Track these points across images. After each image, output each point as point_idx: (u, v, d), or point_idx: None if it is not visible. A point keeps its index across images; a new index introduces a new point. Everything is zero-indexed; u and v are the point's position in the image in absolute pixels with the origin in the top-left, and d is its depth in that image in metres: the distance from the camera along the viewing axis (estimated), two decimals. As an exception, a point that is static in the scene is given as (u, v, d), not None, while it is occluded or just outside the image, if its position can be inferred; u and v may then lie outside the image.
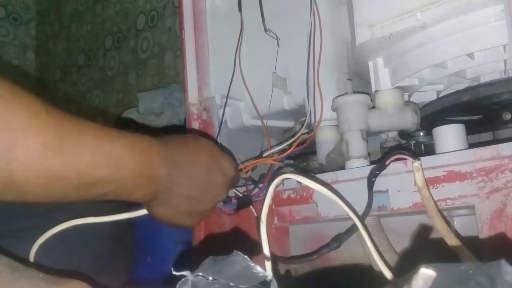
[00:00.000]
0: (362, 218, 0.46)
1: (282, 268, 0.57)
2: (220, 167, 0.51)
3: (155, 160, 0.46)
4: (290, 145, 0.57)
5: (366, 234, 0.39)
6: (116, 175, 0.43)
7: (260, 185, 0.56)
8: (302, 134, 0.57)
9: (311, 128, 0.57)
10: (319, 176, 0.53)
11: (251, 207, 0.56)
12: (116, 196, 0.44)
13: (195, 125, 0.63)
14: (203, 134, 0.62)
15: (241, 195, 0.57)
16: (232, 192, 0.57)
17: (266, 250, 0.35)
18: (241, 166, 0.58)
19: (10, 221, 0.58)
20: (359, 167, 0.53)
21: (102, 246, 0.63)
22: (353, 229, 0.45)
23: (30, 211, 0.60)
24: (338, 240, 0.46)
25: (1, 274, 0.35)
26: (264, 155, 0.59)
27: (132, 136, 0.45)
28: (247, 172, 0.58)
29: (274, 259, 0.35)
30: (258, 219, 0.37)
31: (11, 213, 0.58)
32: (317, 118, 0.58)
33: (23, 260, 0.37)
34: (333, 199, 0.40)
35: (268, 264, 0.33)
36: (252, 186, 0.56)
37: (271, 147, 0.58)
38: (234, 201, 0.56)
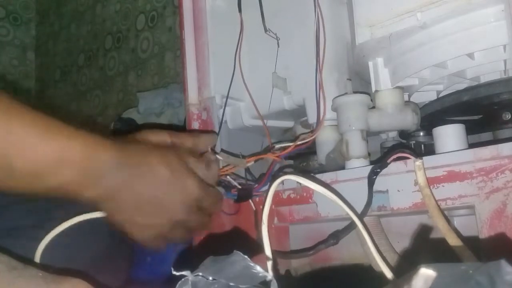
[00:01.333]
0: (361, 216, 0.46)
1: (282, 268, 0.57)
2: (181, 186, 0.49)
3: (105, 161, 0.45)
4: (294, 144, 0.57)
5: (365, 232, 0.39)
6: (60, 170, 0.43)
7: (260, 182, 0.56)
8: (303, 134, 0.57)
9: (313, 128, 0.57)
10: (319, 176, 0.53)
11: (250, 201, 0.57)
12: (66, 192, 0.44)
13: (195, 125, 0.63)
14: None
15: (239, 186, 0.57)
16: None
17: (267, 251, 0.35)
18: (248, 160, 0.57)
19: (7, 220, 0.58)
20: (359, 167, 0.53)
21: (103, 245, 0.62)
22: (351, 226, 0.46)
23: (28, 209, 0.59)
24: (336, 236, 0.46)
25: (0, 273, 0.35)
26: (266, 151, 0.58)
27: (87, 134, 0.45)
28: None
29: (273, 255, 0.35)
30: (256, 217, 0.37)
31: (8, 212, 0.58)
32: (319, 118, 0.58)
33: (22, 258, 0.37)
34: (332, 199, 0.40)
35: (270, 265, 0.33)
36: (252, 181, 0.56)
37: (274, 143, 0.58)
38: (234, 192, 0.56)
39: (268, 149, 0.58)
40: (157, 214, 0.49)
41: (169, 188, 0.49)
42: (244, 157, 0.58)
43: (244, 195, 0.56)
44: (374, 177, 0.48)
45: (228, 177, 0.57)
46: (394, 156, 0.46)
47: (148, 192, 0.48)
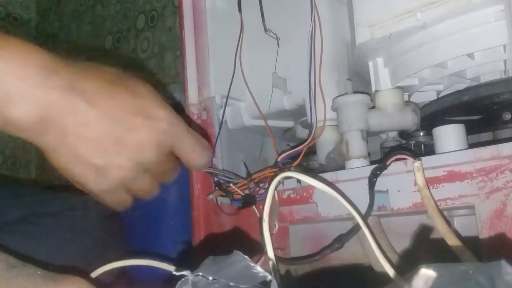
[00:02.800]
0: (364, 218, 0.46)
1: (282, 268, 0.57)
2: (150, 117, 0.40)
3: (45, 77, 0.36)
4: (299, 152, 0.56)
5: (369, 234, 0.39)
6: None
7: (261, 185, 0.55)
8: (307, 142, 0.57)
9: (312, 129, 0.57)
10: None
11: (254, 207, 0.56)
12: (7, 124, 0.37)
13: (195, 125, 0.63)
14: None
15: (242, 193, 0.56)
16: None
17: (269, 251, 0.35)
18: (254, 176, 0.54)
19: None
20: (359, 167, 0.53)
21: (93, 238, 0.62)
22: (355, 229, 0.45)
23: (13, 204, 0.59)
24: (340, 240, 0.46)
25: (-2, 271, 0.35)
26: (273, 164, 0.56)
27: (27, 45, 0.37)
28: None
29: (276, 259, 0.35)
30: (260, 219, 0.37)
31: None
32: (319, 119, 0.58)
33: (21, 256, 0.37)
34: (334, 196, 0.40)
35: (272, 264, 0.33)
36: (254, 186, 0.56)
37: (280, 155, 0.56)
38: (237, 197, 0.56)
39: (275, 163, 0.56)
40: (118, 152, 0.40)
41: (134, 119, 0.40)
42: (250, 174, 0.57)
43: (248, 201, 0.55)
44: (375, 179, 0.48)
45: (231, 185, 0.56)
46: (393, 158, 0.46)
47: (106, 124, 0.39)
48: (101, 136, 0.39)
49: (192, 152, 0.45)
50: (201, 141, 0.46)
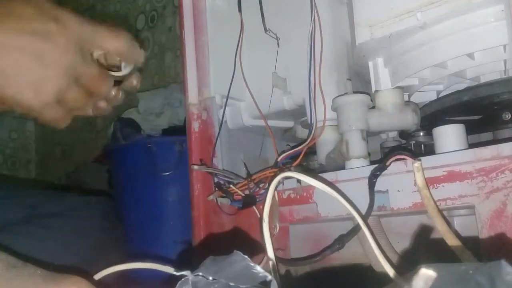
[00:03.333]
0: (365, 218, 0.46)
1: (282, 268, 0.57)
2: (55, 20, 0.41)
3: None
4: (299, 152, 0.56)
5: (369, 234, 0.39)
6: None
7: (261, 185, 0.55)
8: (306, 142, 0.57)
9: (312, 129, 0.57)
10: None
11: (254, 207, 0.56)
12: None
13: (195, 125, 0.63)
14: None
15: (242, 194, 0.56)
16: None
17: (269, 251, 0.35)
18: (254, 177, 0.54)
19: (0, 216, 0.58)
20: (359, 167, 0.53)
21: (95, 239, 0.62)
22: (355, 230, 0.45)
23: (15, 204, 0.59)
24: (341, 241, 0.46)
25: (-2, 271, 0.35)
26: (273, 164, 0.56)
27: None
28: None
29: (277, 260, 0.35)
30: (260, 219, 0.37)
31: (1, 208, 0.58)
32: (319, 119, 0.58)
33: (21, 256, 0.37)
34: (334, 196, 0.40)
35: (272, 264, 0.33)
36: (254, 186, 0.56)
37: (280, 155, 0.56)
38: (237, 197, 0.56)
39: (275, 163, 0.56)
40: (41, 65, 0.41)
41: (41, 29, 0.40)
42: (250, 175, 0.57)
43: (248, 202, 0.55)
44: (375, 179, 0.48)
45: (231, 185, 0.56)
46: (393, 159, 0.47)
47: (17, 42, 0.40)
48: (22, 53, 0.40)
49: (112, 38, 0.47)
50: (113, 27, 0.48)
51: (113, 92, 0.48)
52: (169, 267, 0.36)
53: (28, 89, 0.42)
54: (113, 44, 0.47)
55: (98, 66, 0.46)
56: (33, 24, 0.41)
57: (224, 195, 0.56)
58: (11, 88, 0.41)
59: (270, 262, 0.34)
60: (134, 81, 0.51)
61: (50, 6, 0.43)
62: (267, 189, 0.45)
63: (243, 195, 0.55)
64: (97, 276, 0.39)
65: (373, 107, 0.57)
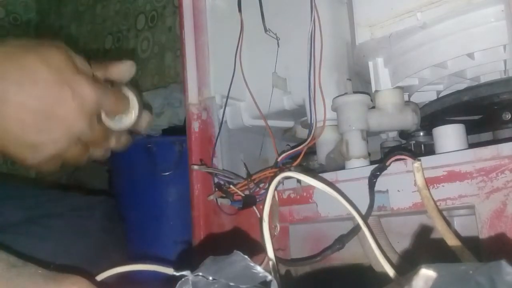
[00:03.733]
0: (365, 218, 0.46)
1: (283, 268, 0.57)
2: (72, 87, 0.40)
3: None
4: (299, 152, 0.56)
5: (369, 234, 0.39)
6: None
7: (261, 185, 0.55)
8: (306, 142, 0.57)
9: (312, 129, 0.57)
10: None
11: (254, 207, 0.56)
12: None
13: (195, 125, 0.63)
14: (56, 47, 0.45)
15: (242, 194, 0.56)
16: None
17: (269, 251, 0.35)
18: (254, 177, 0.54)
19: (1, 216, 0.58)
20: (359, 167, 0.53)
21: (97, 239, 0.62)
22: (356, 230, 0.45)
23: (17, 205, 0.59)
24: (341, 241, 0.46)
25: (-1, 271, 0.35)
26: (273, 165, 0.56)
27: None
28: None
29: (277, 260, 0.35)
30: (260, 219, 0.37)
31: (2, 208, 0.58)
32: (319, 119, 0.58)
33: (22, 255, 0.37)
34: (334, 196, 0.40)
35: (272, 264, 0.33)
36: (254, 186, 0.56)
37: (280, 155, 0.56)
38: (237, 197, 0.55)
39: (275, 163, 0.56)
40: (48, 128, 0.40)
41: (56, 93, 0.40)
42: (250, 175, 0.57)
43: (248, 202, 0.55)
44: (375, 180, 0.48)
45: (231, 186, 0.56)
46: (393, 159, 0.46)
47: (30, 102, 0.39)
48: (28, 115, 0.39)
49: (116, 106, 0.46)
50: (121, 98, 0.46)
51: (116, 142, 0.48)
52: (169, 268, 0.36)
53: (30, 148, 0.41)
54: (122, 108, 0.47)
55: (102, 124, 0.45)
56: (47, 86, 0.40)
57: (224, 195, 0.56)
58: (13, 145, 0.41)
59: (270, 262, 0.34)
60: (144, 123, 0.51)
61: (68, 68, 0.41)
62: (267, 189, 0.45)
63: (243, 195, 0.55)
64: (98, 278, 0.39)
65: (373, 107, 0.57)
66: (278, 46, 0.63)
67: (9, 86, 0.38)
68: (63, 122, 0.41)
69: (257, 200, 0.55)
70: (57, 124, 0.41)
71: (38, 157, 0.42)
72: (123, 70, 0.51)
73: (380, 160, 0.50)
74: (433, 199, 0.44)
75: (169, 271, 0.35)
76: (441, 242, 0.42)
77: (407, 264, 0.49)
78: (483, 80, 0.53)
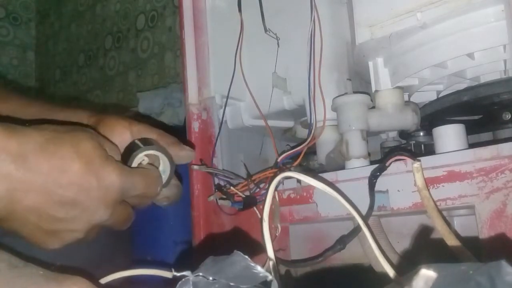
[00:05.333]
0: (365, 219, 0.46)
1: (282, 268, 0.57)
2: (99, 180, 0.40)
3: None
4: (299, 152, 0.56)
5: (369, 235, 0.39)
6: None
7: (262, 185, 0.55)
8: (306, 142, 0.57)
9: (312, 129, 0.57)
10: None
11: (254, 208, 0.56)
12: None
13: (195, 125, 0.63)
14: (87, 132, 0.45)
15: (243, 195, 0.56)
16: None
17: (269, 251, 0.35)
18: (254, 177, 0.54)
19: None
20: (359, 167, 0.53)
21: (101, 241, 0.62)
22: (356, 230, 0.45)
23: None
24: (342, 242, 0.46)
25: (0, 272, 0.35)
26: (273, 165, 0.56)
27: None
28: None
29: (279, 261, 0.35)
30: (261, 219, 0.37)
31: None
32: (319, 119, 0.58)
33: (23, 256, 0.37)
34: (334, 196, 0.40)
35: (272, 264, 0.33)
36: (254, 187, 0.56)
37: (280, 155, 0.56)
38: (238, 198, 0.55)
39: (275, 164, 0.56)
40: (71, 219, 0.40)
41: (82, 182, 0.39)
42: (250, 175, 0.57)
43: (249, 203, 0.55)
44: (375, 180, 0.48)
45: (232, 187, 0.56)
46: (393, 159, 0.47)
47: (57, 193, 0.39)
48: (54, 205, 0.39)
49: (145, 197, 0.46)
50: (151, 181, 0.46)
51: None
52: (169, 271, 0.36)
53: (46, 235, 0.41)
54: (152, 191, 0.46)
55: (126, 206, 0.45)
56: (74, 177, 0.39)
57: (225, 196, 0.56)
58: (29, 231, 0.40)
59: (271, 262, 0.34)
60: (171, 196, 0.51)
61: (96, 157, 0.41)
62: (267, 190, 0.45)
63: (244, 196, 0.55)
64: (102, 281, 0.39)
65: (373, 107, 0.57)
66: (278, 46, 0.63)
67: (37, 176, 0.38)
68: (85, 212, 0.40)
69: (258, 200, 0.55)
70: (78, 214, 0.40)
71: (57, 243, 0.42)
72: (182, 156, 0.50)
73: (380, 160, 0.50)
74: (433, 199, 0.44)
75: (169, 274, 0.35)
76: (441, 242, 0.42)
77: (407, 264, 0.49)
78: (483, 80, 0.53)
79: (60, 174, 0.39)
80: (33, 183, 0.38)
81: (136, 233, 1.03)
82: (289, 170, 0.52)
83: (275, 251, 0.35)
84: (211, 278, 0.29)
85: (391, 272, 0.35)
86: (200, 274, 0.29)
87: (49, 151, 0.39)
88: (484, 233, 0.42)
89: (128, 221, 0.47)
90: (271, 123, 0.67)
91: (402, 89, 0.57)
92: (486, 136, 0.60)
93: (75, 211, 0.40)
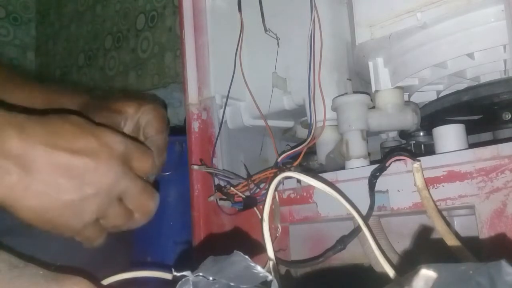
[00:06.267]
0: (365, 219, 0.46)
1: (282, 268, 0.57)
2: (97, 176, 0.41)
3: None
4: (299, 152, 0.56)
5: (369, 234, 0.39)
6: None
7: (262, 185, 0.55)
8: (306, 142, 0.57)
9: (312, 129, 0.57)
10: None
11: (255, 208, 0.56)
12: None
13: (195, 125, 0.63)
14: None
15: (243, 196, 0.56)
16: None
17: (269, 251, 0.35)
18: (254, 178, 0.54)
19: (6, 218, 0.58)
20: (359, 167, 0.53)
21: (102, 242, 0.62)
22: (357, 230, 0.45)
23: None
24: (343, 242, 0.46)
25: (1, 272, 0.35)
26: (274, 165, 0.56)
27: None
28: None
29: (279, 262, 0.35)
30: (261, 220, 0.37)
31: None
32: (319, 119, 0.58)
33: (23, 256, 0.37)
34: (334, 196, 0.40)
35: (272, 264, 0.33)
36: (254, 187, 0.56)
37: (280, 155, 0.56)
38: (238, 199, 0.55)
39: (275, 164, 0.56)
40: (84, 183, 0.41)
41: (85, 146, 0.40)
42: (250, 175, 0.57)
43: (249, 203, 0.55)
44: (375, 180, 0.48)
45: (232, 188, 0.56)
46: (392, 160, 0.47)
47: (57, 160, 0.39)
48: (61, 172, 0.39)
49: (141, 200, 0.46)
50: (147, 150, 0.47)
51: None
52: (169, 272, 0.36)
53: (67, 210, 0.41)
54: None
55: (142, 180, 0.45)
56: (72, 142, 0.40)
57: (225, 197, 0.56)
58: (49, 210, 0.40)
59: (271, 262, 0.34)
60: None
61: (89, 124, 0.42)
62: (267, 190, 0.45)
63: (244, 196, 0.55)
64: (103, 283, 0.39)
65: (373, 107, 0.57)
66: (278, 46, 0.63)
67: (39, 175, 0.39)
68: (94, 175, 0.41)
69: (258, 201, 0.55)
70: (89, 178, 0.41)
71: (78, 220, 0.42)
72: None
73: (380, 160, 0.50)
74: (432, 199, 0.44)
75: (169, 276, 0.36)
76: (441, 242, 0.42)
77: (407, 264, 0.49)
78: (483, 80, 0.53)
79: (64, 171, 0.39)
80: (34, 182, 0.38)
81: (136, 233, 1.02)
82: (289, 170, 0.52)
83: (275, 251, 0.35)
84: (211, 278, 0.29)
85: (391, 272, 0.35)
86: (200, 274, 0.29)
87: (52, 146, 0.39)
88: (484, 233, 0.42)
89: (152, 198, 0.46)
90: (271, 123, 0.67)
91: (402, 89, 0.57)
92: (486, 136, 0.60)
93: (90, 176, 0.40)
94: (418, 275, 0.24)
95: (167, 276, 0.36)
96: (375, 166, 0.48)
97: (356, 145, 0.54)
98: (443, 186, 0.45)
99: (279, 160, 0.55)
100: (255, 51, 0.65)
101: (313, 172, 0.57)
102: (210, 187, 0.59)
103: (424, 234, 0.52)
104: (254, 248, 0.53)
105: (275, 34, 0.63)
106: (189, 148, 0.62)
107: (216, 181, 0.58)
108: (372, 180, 0.48)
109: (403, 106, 0.56)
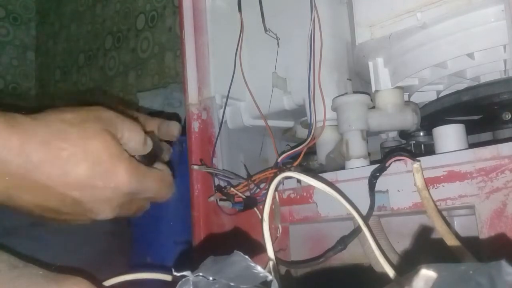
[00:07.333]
0: (366, 219, 0.46)
1: (282, 268, 0.57)
2: (105, 181, 0.39)
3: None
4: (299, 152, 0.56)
5: (369, 235, 0.39)
6: None
7: (262, 186, 0.55)
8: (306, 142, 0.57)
9: (312, 129, 0.57)
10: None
11: (255, 209, 0.56)
12: None
13: (195, 125, 0.63)
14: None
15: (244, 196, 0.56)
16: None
17: (270, 251, 0.35)
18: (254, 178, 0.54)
19: (6, 219, 0.58)
20: (359, 167, 0.53)
21: (102, 242, 0.62)
22: (357, 230, 0.45)
23: None
24: (343, 242, 0.46)
25: (1, 272, 0.35)
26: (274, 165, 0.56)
27: None
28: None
29: (279, 262, 0.35)
30: (261, 220, 0.37)
31: (7, 211, 0.58)
32: (319, 119, 0.58)
33: (23, 256, 0.37)
34: (334, 196, 0.40)
35: (273, 264, 0.33)
36: (254, 187, 0.56)
37: (280, 155, 0.56)
38: (238, 199, 0.55)
39: (275, 164, 0.56)
40: (74, 213, 0.41)
41: (88, 186, 0.39)
42: (250, 176, 0.57)
43: (249, 204, 0.55)
44: (375, 181, 0.48)
45: (232, 188, 0.56)
46: (392, 160, 0.47)
47: (60, 192, 0.38)
48: (52, 200, 0.39)
49: (154, 199, 0.48)
50: (164, 185, 0.48)
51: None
52: (169, 273, 0.36)
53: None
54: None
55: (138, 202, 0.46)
56: (78, 177, 0.39)
57: (225, 197, 0.56)
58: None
59: (271, 263, 0.34)
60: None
61: (108, 156, 0.40)
62: (267, 190, 0.45)
63: (244, 197, 0.55)
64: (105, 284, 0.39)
65: (373, 107, 0.57)
66: (278, 46, 0.63)
67: (39, 175, 0.38)
68: (88, 211, 0.41)
69: (258, 201, 0.55)
70: (82, 211, 0.41)
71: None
72: (171, 129, 0.53)
73: (380, 160, 0.50)
74: (432, 199, 0.44)
75: (168, 277, 0.36)
76: (441, 242, 0.42)
77: (407, 264, 0.49)
78: (483, 80, 0.53)
79: (64, 175, 0.38)
80: (34, 182, 0.38)
81: (136, 233, 1.03)
82: (289, 170, 0.52)
83: (275, 251, 0.35)
84: (211, 278, 0.29)
85: (391, 272, 0.35)
86: (200, 274, 0.29)
87: (54, 147, 0.38)
88: (484, 233, 0.42)
89: (138, 213, 0.48)
90: (271, 123, 0.67)
91: (402, 89, 0.57)
92: (486, 136, 0.60)
93: (78, 208, 0.40)
94: (418, 275, 0.24)
95: (167, 277, 0.36)
96: (375, 166, 0.48)
97: (356, 145, 0.54)
98: (443, 186, 0.45)
99: (279, 160, 0.55)
100: (255, 51, 0.65)
101: (313, 172, 0.57)
102: (210, 187, 0.59)
103: (424, 234, 0.52)
104: (254, 248, 0.53)
105: (275, 34, 0.63)
106: (189, 148, 0.62)
107: (216, 181, 0.58)
108: (372, 180, 0.48)
109: (403, 106, 0.56)
